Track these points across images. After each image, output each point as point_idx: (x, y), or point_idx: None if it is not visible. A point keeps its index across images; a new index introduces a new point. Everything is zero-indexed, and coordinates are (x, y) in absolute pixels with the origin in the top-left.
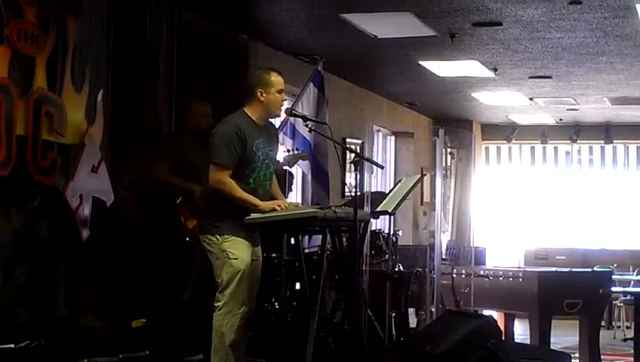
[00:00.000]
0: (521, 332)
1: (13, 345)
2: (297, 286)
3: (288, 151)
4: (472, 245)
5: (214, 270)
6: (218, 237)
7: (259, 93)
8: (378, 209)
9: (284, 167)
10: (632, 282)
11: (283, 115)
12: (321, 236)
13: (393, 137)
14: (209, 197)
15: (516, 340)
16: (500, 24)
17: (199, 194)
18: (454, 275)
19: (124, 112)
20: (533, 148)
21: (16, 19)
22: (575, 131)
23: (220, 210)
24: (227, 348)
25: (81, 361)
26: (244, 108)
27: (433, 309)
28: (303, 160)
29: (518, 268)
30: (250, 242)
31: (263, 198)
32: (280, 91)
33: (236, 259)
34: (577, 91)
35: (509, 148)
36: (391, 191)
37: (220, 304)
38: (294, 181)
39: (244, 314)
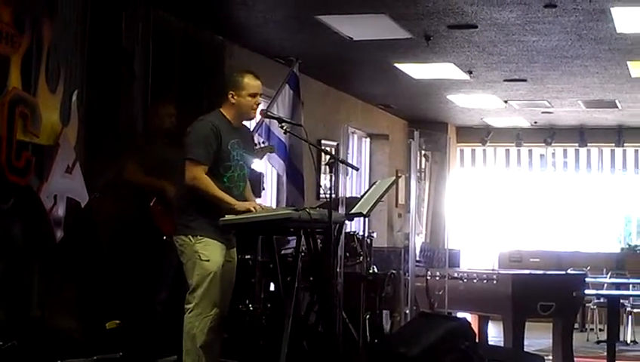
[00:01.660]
0: (495, 334)
1: None
2: (272, 287)
3: (256, 144)
4: (446, 247)
5: (185, 271)
6: (191, 238)
7: (230, 95)
8: (353, 211)
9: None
10: (605, 285)
11: (258, 117)
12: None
13: (368, 139)
14: (183, 196)
15: (490, 342)
16: (475, 27)
17: (172, 192)
18: (428, 277)
19: (99, 113)
20: (507, 150)
21: None
22: (550, 134)
23: (193, 211)
24: (199, 349)
25: None
26: (220, 109)
27: (407, 311)
28: (270, 152)
29: (492, 270)
30: (225, 244)
31: (238, 199)
32: (253, 95)
33: (208, 260)
34: (552, 94)
35: (484, 150)
36: (365, 193)
37: (190, 306)
38: (265, 179)
39: (216, 316)
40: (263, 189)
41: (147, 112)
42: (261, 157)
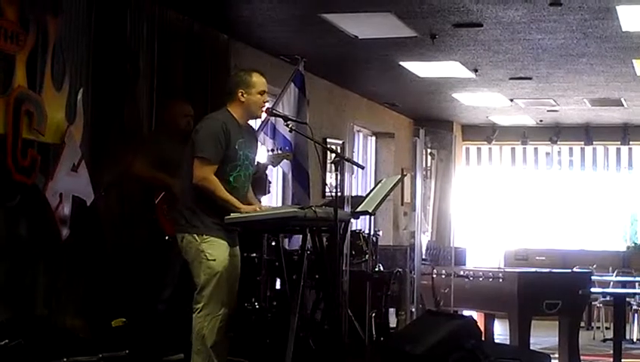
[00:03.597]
0: (501, 332)
1: None
2: (278, 285)
3: (272, 150)
4: (452, 245)
5: (192, 270)
6: (196, 237)
7: (239, 94)
8: (359, 209)
9: (268, 166)
10: (612, 283)
11: (264, 115)
12: (301, 237)
13: (374, 137)
14: (188, 194)
15: (496, 340)
16: (481, 25)
17: (178, 188)
18: (434, 275)
19: (104, 111)
20: (513, 149)
21: None
22: (555, 132)
23: (198, 209)
24: (209, 350)
25: (60, 361)
26: (227, 108)
27: (413, 309)
28: (287, 159)
29: (498, 268)
30: (229, 242)
31: (241, 200)
32: (262, 92)
33: (214, 260)
34: (557, 92)
35: (490, 148)
36: (371, 191)
37: (199, 306)
38: (271, 185)
39: (224, 316)
40: (270, 183)
41: (159, 109)
42: (276, 165)
